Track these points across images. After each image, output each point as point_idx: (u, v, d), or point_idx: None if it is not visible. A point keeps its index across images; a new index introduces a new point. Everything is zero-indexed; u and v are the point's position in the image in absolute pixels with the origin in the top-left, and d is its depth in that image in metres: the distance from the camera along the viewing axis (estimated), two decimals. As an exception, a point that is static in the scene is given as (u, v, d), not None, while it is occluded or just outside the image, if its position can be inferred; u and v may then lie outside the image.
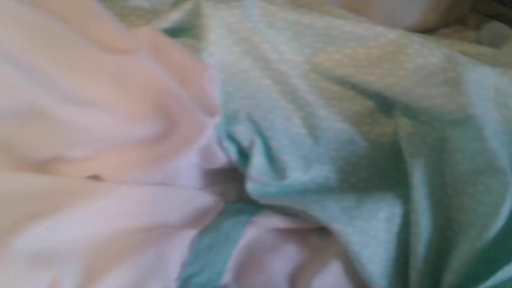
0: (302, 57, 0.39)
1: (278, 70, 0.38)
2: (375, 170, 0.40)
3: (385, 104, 0.39)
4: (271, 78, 0.39)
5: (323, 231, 0.35)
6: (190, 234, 0.33)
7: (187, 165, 0.36)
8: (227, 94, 0.37)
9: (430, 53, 0.37)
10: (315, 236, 0.37)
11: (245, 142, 0.37)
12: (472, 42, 0.54)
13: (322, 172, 0.38)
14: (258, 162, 0.36)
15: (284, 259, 0.34)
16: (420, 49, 0.38)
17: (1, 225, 0.29)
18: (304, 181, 0.38)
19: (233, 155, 0.37)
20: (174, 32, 0.38)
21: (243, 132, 0.37)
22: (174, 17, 0.38)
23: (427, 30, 0.61)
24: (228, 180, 0.39)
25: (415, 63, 0.37)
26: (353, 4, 0.57)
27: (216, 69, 0.37)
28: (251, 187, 0.36)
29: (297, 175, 0.37)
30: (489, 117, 0.36)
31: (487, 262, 0.33)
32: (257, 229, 0.35)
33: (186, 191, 0.35)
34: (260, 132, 0.37)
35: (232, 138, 0.37)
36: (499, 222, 0.33)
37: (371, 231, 0.34)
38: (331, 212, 0.33)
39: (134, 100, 0.32)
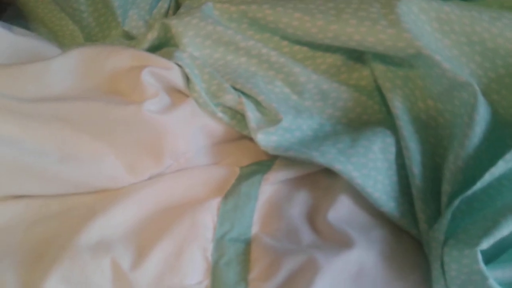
0: (268, 33, 0.44)
1: (247, 46, 0.44)
2: (362, 109, 0.44)
3: (354, 53, 0.43)
4: (245, 55, 0.44)
5: (330, 172, 0.39)
6: (216, 201, 0.38)
7: (195, 150, 0.41)
8: (209, 74, 0.42)
9: (369, 5, 0.41)
10: (323, 177, 0.41)
11: (235, 106, 0.41)
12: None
13: (314, 119, 0.42)
14: (252, 116, 0.40)
15: (300, 203, 0.39)
16: (359, 5, 0.42)
17: (66, 230, 0.36)
18: (300, 125, 0.41)
19: (230, 122, 0.42)
20: (155, 48, 0.46)
21: (230, 99, 0.41)
22: (149, 37, 0.45)
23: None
24: (239, 148, 0.44)
25: (358, 17, 0.41)
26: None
27: (198, 61, 0.43)
28: (259, 138, 0.39)
29: (289, 118, 0.41)
30: (437, 45, 0.40)
31: (476, 168, 0.37)
32: (272, 184, 0.40)
33: (203, 169, 0.41)
34: (245, 94, 0.42)
35: (224, 108, 0.42)
36: (476, 129, 0.37)
37: (370, 163, 0.39)
38: (330, 155, 0.38)
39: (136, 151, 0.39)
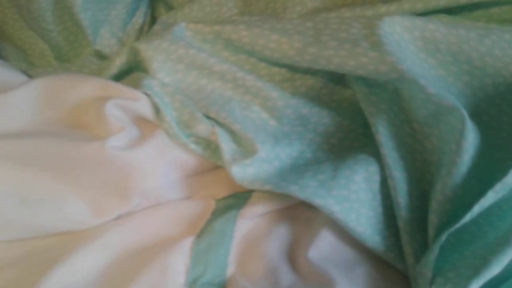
0: (244, 55, 0.42)
1: (221, 70, 0.41)
2: (344, 134, 0.42)
3: (335, 74, 0.41)
4: (220, 79, 0.41)
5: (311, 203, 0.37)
6: (189, 241, 0.36)
7: (168, 183, 0.38)
8: (181, 102, 0.40)
9: (349, 26, 0.39)
10: (304, 209, 0.39)
11: (209, 136, 0.39)
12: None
13: (294, 146, 0.40)
14: (227, 147, 0.38)
15: (279, 239, 0.37)
16: (338, 25, 0.39)
17: (26, 278, 0.33)
18: (278, 154, 0.39)
19: (204, 153, 0.39)
20: (125, 72, 0.43)
21: (203, 129, 0.39)
22: (118, 62, 0.43)
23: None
24: (214, 180, 0.42)
25: (338, 39, 0.39)
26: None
27: (170, 88, 0.40)
28: (234, 172, 0.37)
29: (267, 147, 0.38)
30: (421, 65, 0.37)
31: (465, 196, 0.35)
32: (249, 219, 0.38)
33: (175, 205, 0.38)
34: (219, 123, 0.39)
35: (197, 139, 0.39)
36: (464, 156, 0.35)
37: (352, 196, 0.36)
38: (309, 189, 0.36)
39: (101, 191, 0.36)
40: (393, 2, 0.44)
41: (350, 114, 0.42)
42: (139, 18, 0.57)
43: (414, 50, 0.38)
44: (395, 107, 0.39)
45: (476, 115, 0.38)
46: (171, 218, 0.38)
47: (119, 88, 0.38)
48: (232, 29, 0.42)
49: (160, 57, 0.42)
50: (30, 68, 0.53)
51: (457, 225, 0.33)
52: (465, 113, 0.35)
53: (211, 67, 0.42)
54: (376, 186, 0.38)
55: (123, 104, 0.37)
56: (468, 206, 0.33)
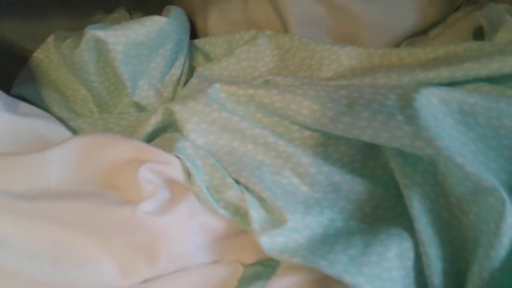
0: (276, 117, 0.42)
1: (254, 134, 0.41)
2: (377, 203, 0.41)
3: (368, 142, 0.40)
4: (252, 142, 0.41)
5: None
6: (215, 309, 0.36)
7: (196, 247, 0.38)
8: (212, 166, 0.40)
9: (383, 97, 0.38)
10: (334, 282, 0.37)
11: (238, 203, 0.38)
12: (480, 24, 0.53)
13: (324, 215, 0.39)
14: (256, 215, 0.37)
15: (307, 314, 0.36)
16: (373, 96, 0.39)
17: None
18: (309, 224, 0.38)
19: (233, 218, 0.39)
20: (159, 131, 0.43)
21: (233, 195, 0.38)
22: (153, 121, 0.43)
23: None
24: (242, 244, 0.41)
25: (372, 110, 0.38)
26: (342, 26, 0.58)
27: (202, 152, 0.40)
28: (262, 241, 0.36)
29: (297, 217, 0.38)
30: (459, 142, 0.36)
31: (503, 282, 0.33)
32: (276, 290, 0.37)
33: (202, 270, 0.38)
34: (249, 189, 0.39)
35: (226, 204, 0.39)
36: (503, 239, 0.33)
37: (384, 274, 0.35)
38: (339, 265, 0.35)
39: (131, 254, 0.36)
40: (431, 69, 0.43)
41: (384, 182, 0.41)
42: (178, 69, 0.58)
43: (452, 123, 0.37)
44: (431, 179, 0.38)
45: (518, 191, 0.36)
46: (197, 283, 0.38)
47: (153, 151, 0.39)
48: (265, 94, 0.42)
49: (194, 119, 0.42)
50: (71, 117, 0.54)
51: (495, 313, 0.32)
52: (505, 195, 0.34)
53: (243, 131, 0.42)
54: (409, 263, 0.36)
55: (156, 168, 0.38)
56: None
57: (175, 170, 0.39)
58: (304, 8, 0.56)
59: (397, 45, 0.59)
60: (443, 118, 0.37)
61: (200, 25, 0.64)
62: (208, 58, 0.61)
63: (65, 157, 0.39)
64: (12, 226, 0.35)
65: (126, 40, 0.51)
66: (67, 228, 0.36)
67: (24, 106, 0.48)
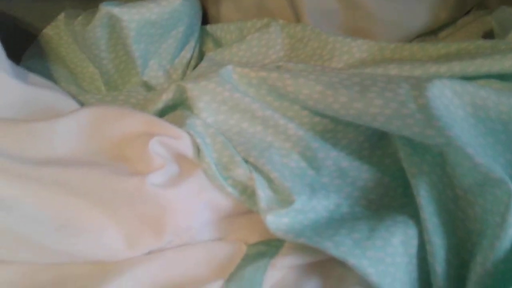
0: (287, 102, 0.42)
1: (264, 116, 0.42)
2: (383, 191, 0.41)
3: (377, 130, 0.40)
4: (261, 124, 0.41)
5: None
6: (217, 284, 0.36)
7: (202, 223, 0.38)
8: (221, 143, 0.40)
9: (396, 85, 0.38)
10: (336, 265, 0.38)
11: (246, 181, 0.39)
12: (490, 27, 0.54)
13: (330, 199, 0.39)
14: (263, 195, 0.38)
15: (309, 295, 0.36)
16: (386, 84, 0.39)
17: None
18: (314, 206, 0.38)
19: (240, 197, 0.39)
20: (169, 108, 0.44)
21: (241, 173, 0.39)
22: (164, 98, 0.44)
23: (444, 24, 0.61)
24: (247, 224, 0.41)
25: (384, 97, 0.38)
26: (354, 20, 0.58)
27: (212, 130, 0.40)
28: (268, 221, 0.36)
29: (303, 199, 0.38)
30: (470, 132, 0.36)
31: (506, 273, 0.33)
32: (279, 269, 0.37)
33: (207, 246, 0.38)
34: (257, 169, 0.39)
35: (234, 182, 0.39)
36: (508, 231, 0.33)
37: (387, 259, 0.35)
38: (344, 247, 0.35)
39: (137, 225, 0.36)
40: (443, 63, 0.43)
41: (392, 171, 0.41)
42: (188, 52, 0.58)
43: (463, 115, 0.38)
44: (439, 170, 0.38)
45: (524, 187, 0.36)
46: (201, 259, 0.38)
47: (164, 125, 0.39)
48: (278, 77, 0.43)
49: (206, 97, 0.43)
50: (80, 92, 0.54)
51: (497, 305, 0.32)
52: None
53: (254, 112, 0.42)
54: (413, 250, 0.36)
55: (166, 141, 0.38)
56: (509, 283, 0.32)
57: (185, 145, 0.39)
58: (318, 0, 0.57)
59: (408, 43, 0.60)
60: (454, 110, 0.37)
61: (213, 11, 0.64)
62: (219, 44, 0.62)
63: (73, 128, 0.39)
64: (19, 190, 0.35)
65: (140, 18, 0.52)
66: (74, 195, 0.36)
67: (33, 77, 0.48)
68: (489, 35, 0.58)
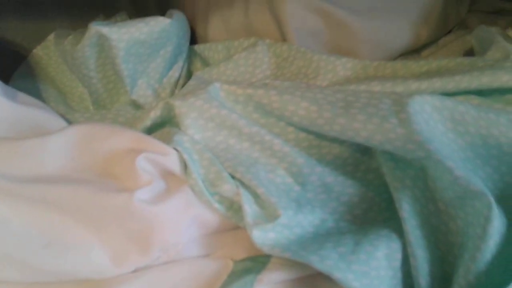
0: (273, 118, 0.43)
1: (251, 132, 0.42)
2: (367, 205, 0.42)
3: (361, 145, 0.41)
4: (248, 140, 0.42)
5: (330, 275, 0.37)
6: (204, 303, 0.36)
7: (188, 239, 0.39)
8: (208, 160, 0.41)
9: (379, 101, 0.39)
10: (323, 280, 0.38)
11: (233, 197, 0.39)
12: (471, 46, 0.55)
13: (316, 214, 0.40)
14: (250, 210, 0.38)
15: (295, 310, 0.37)
16: (368, 100, 0.40)
17: None
18: (300, 221, 0.39)
19: (227, 213, 0.39)
20: (157, 126, 0.45)
21: (228, 189, 0.39)
22: (152, 115, 0.44)
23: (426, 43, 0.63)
24: (234, 240, 0.42)
25: (367, 113, 0.39)
26: (339, 39, 0.60)
27: (199, 146, 0.41)
28: (254, 235, 0.37)
29: (289, 214, 0.38)
30: (450, 146, 0.37)
31: (488, 285, 0.34)
32: (266, 285, 0.37)
33: (193, 263, 0.38)
34: (244, 185, 0.40)
35: (220, 198, 0.40)
36: (489, 242, 0.34)
37: (372, 272, 0.36)
38: (329, 261, 0.35)
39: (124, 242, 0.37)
40: (424, 80, 0.45)
41: (375, 186, 0.42)
42: (176, 71, 0.59)
43: (443, 130, 0.39)
44: (421, 184, 0.39)
45: (503, 201, 0.37)
46: (188, 276, 0.38)
47: (151, 142, 0.39)
48: (264, 94, 0.44)
49: (193, 114, 0.43)
50: (68, 111, 0.55)
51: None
52: (492, 199, 0.35)
53: (240, 128, 0.43)
54: (397, 263, 0.37)
55: (153, 158, 0.38)
56: None
57: (172, 162, 0.39)
58: (303, 20, 0.58)
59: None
60: (434, 125, 0.38)
61: (201, 31, 0.66)
62: (207, 64, 0.63)
63: (62, 145, 0.40)
64: (6, 208, 0.35)
65: (129, 37, 0.53)
66: (61, 213, 0.36)
67: (23, 96, 0.48)
68: (469, 53, 0.60)
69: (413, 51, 0.64)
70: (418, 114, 0.38)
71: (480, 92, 0.44)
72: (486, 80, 0.43)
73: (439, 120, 0.39)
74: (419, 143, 0.36)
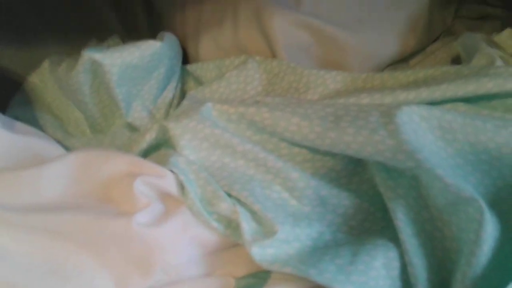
0: (266, 135, 0.44)
1: (245, 150, 0.43)
2: (363, 216, 0.42)
3: (354, 157, 0.42)
4: (242, 158, 0.43)
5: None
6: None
7: (189, 260, 0.39)
8: (204, 179, 0.41)
9: (367, 114, 0.40)
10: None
11: (230, 215, 0.40)
12: (457, 52, 0.56)
13: (313, 227, 0.41)
14: (248, 227, 0.39)
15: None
16: (357, 113, 0.41)
17: None
18: (298, 235, 0.39)
19: (225, 231, 0.40)
20: (153, 148, 0.45)
21: (225, 208, 0.40)
22: (148, 138, 0.45)
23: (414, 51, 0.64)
24: (234, 257, 0.42)
25: (356, 126, 0.40)
26: (328, 53, 0.61)
27: (195, 166, 0.42)
28: (253, 252, 0.37)
29: (287, 229, 0.39)
30: (439, 154, 0.38)
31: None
32: (268, 301, 0.38)
33: (196, 282, 0.39)
34: (241, 202, 0.41)
35: (218, 217, 0.40)
36: (483, 247, 0.35)
37: (371, 282, 0.36)
38: (328, 274, 0.36)
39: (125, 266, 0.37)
40: (411, 90, 0.46)
41: (370, 196, 0.43)
42: (170, 92, 0.60)
43: (432, 139, 0.40)
44: (414, 193, 0.40)
45: (496, 205, 0.38)
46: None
47: (147, 165, 0.40)
48: (255, 111, 0.45)
49: (187, 135, 0.44)
50: (65, 137, 0.56)
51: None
52: (483, 204, 0.36)
53: (234, 147, 0.44)
54: (395, 272, 0.38)
55: (150, 180, 0.39)
56: None
57: (169, 183, 0.40)
58: (291, 36, 0.59)
59: (380, 71, 0.62)
60: (423, 134, 0.39)
61: (192, 51, 0.67)
62: (199, 83, 0.64)
63: (60, 172, 0.40)
64: (8, 238, 0.36)
65: (122, 62, 0.54)
66: (62, 240, 0.37)
67: (20, 125, 0.49)
68: (457, 59, 0.61)
69: (401, 60, 0.65)
70: (407, 124, 0.39)
71: (467, 99, 0.45)
72: (471, 87, 0.44)
73: (427, 129, 0.40)
74: (409, 153, 0.37)
